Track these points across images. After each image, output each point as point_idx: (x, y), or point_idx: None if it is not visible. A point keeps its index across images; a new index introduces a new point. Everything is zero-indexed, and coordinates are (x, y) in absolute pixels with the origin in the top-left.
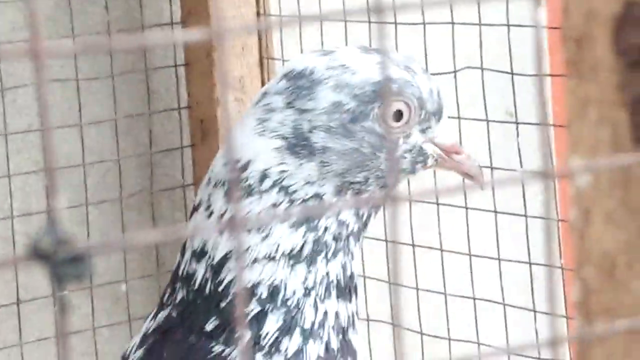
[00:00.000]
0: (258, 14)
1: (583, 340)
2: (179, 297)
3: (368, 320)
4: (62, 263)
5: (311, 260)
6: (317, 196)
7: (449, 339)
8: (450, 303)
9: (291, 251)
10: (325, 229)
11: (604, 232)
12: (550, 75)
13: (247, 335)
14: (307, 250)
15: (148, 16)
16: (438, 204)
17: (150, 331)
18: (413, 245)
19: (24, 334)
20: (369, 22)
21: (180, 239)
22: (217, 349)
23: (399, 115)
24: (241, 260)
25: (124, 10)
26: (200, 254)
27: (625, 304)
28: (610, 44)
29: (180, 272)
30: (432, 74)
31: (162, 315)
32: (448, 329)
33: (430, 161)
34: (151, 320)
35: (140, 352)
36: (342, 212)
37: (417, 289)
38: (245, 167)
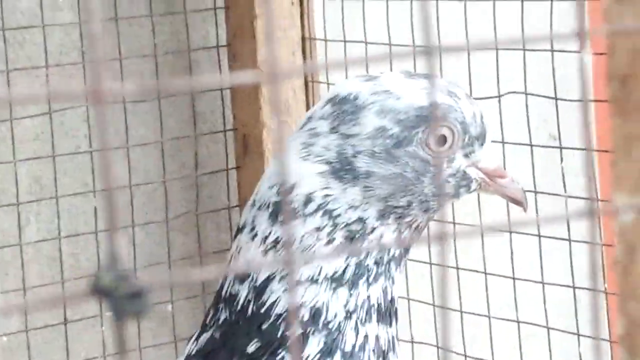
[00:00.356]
0: (303, 37)
1: None
2: (221, 318)
3: (412, 342)
4: (123, 299)
5: (353, 284)
6: (361, 220)
7: None
8: (494, 326)
9: (334, 274)
10: (367, 253)
11: None
12: (595, 100)
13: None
14: (349, 273)
15: (194, 39)
16: (482, 228)
17: (193, 353)
18: (457, 269)
19: (71, 353)
20: (414, 46)
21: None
22: None
23: (443, 140)
24: (292, 285)
25: (171, 33)
26: (243, 276)
27: None
28: None
29: (223, 293)
30: (475, 99)
31: (205, 337)
32: (492, 352)
33: (474, 185)
34: (194, 342)
35: None
36: (384, 236)
37: (462, 312)
38: (289, 191)
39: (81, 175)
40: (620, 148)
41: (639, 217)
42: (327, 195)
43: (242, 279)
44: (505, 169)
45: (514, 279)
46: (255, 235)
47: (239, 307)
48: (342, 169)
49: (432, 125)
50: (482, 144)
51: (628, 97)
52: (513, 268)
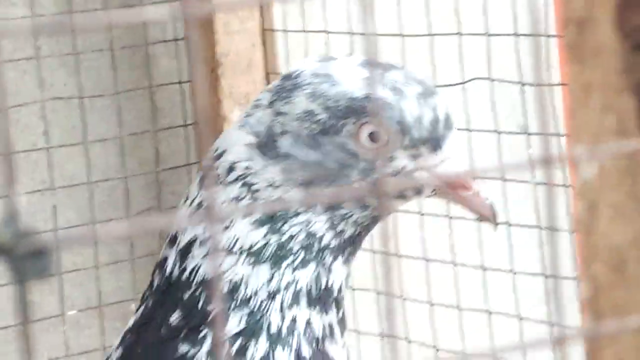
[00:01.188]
0: (263, 29)
1: (593, 338)
2: (154, 285)
3: (358, 333)
4: (23, 258)
5: (275, 264)
6: (282, 201)
7: (463, 353)
8: (463, 316)
9: (250, 248)
10: (291, 236)
11: (612, 226)
12: (561, 84)
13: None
14: (268, 251)
15: (152, 32)
16: (450, 217)
17: (129, 327)
18: (426, 260)
19: (32, 354)
20: (375, 34)
21: (152, 230)
22: (183, 349)
23: (375, 136)
24: (216, 257)
25: (127, 26)
26: (172, 239)
27: (636, 301)
28: (613, 26)
29: (160, 259)
30: (438, 86)
31: (141, 309)
32: (463, 343)
33: (426, 190)
34: (134, 314)
35: (119, 351)
36: (314, 224)
37: (431, 304)
38: (219, 157)
39: (38, 172)
40: (578, 97)
41: (599, 172)
42: (248, 168)
43: (171, 241)
44: (472, 176)
45: (483, 268)
46: (187, 198)
47: (166, 273)
48: (267, 145)
49: (359, 119)
50: (434, 149)
51: (585, 42)
52: (482, 257)
